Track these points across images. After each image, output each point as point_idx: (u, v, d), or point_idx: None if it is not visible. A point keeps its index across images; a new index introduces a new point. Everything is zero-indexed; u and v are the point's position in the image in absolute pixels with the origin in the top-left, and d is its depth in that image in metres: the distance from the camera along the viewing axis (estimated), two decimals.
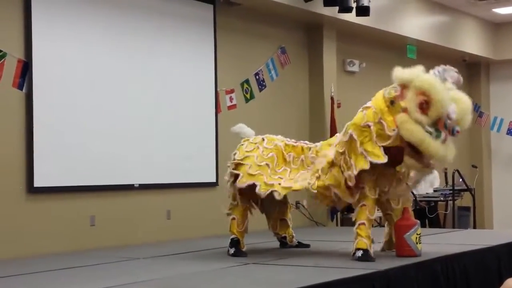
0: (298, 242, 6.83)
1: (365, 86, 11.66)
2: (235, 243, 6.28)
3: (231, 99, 9.15)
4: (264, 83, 9.63)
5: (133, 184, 7.89)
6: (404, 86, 5.59)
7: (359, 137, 5.68)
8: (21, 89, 6.91)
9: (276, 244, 6.90)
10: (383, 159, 5.58)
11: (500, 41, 14.38)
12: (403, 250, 5.92)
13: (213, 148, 8.82)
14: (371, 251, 5.71)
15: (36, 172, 6.94)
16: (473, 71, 14.81)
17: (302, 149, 6.36)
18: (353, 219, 5.82)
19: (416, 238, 5.96)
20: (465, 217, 11.47)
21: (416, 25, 12.06)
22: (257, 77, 9.56)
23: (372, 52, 11.82)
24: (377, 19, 10.83)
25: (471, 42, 13.72)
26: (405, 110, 5.51)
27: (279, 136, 6.49)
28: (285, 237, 6.82)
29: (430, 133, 5.47)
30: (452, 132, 5.55)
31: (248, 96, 9.40)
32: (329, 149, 6.11)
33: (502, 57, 14.44)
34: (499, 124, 14.43)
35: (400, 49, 12.20)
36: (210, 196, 8.72)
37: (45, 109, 7.05)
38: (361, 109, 5.87)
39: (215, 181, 8.82)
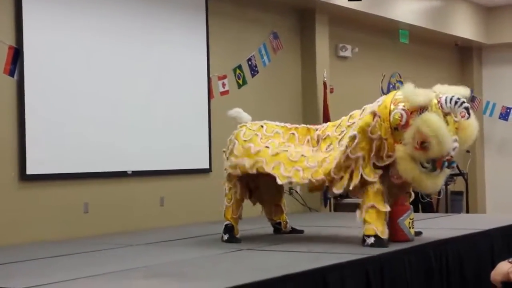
0: (292, 228, 6.84)
1: (357, 71, 11.68)
2: (229, 229, 6.28)
3: (223, 85, 9.13)
4: (256, 69, 9.61)
5: (126, 171, 7.88)
6: (411, 112, 5.49)
7: (360, 143, 5.63)
8: (13, 76, 6.87)
9: (269, 230, 6.91)
10: (373, 178, 5.60)
11: (492, 25, 14.38)
12: (396, 235, 5.93)
13: (206, 134, 8.81)
14: (384, 236, 5.62)
15: (29, 159, 6.92)
16: (465, 55, 14.82)
17: (308, 129, 6.30)
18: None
19: (409, 223, 5.98)
20: (458, 202, 11.53)
21: (408, 10, 12.05)
22: (249, 62, 9.54)
23: (364, 37, 11.80)
24: (369, 4, 10.81)
25: (463, 26, 13.72)
26: (405, 143, 5.44)
27: (277, 123, 6.43)
28: (279, 223, 6.82)
29: (426, 168, 5.43)
30: (448, 167, 5.54)
31: (240, 82, 9.38)
32: (332, 130, 6.05)
33: (494, 41, 14.44)
34: (492, 109, 14.45)
35: (392, 34, 12.20)
36: (203, 182, 8.72)
37: (37, 96, 7.02)
38: (371, 112, 5.73)
39: (208, 167, 8.81)
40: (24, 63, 6.91)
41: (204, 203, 8.54)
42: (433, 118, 5.39)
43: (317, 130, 6.26)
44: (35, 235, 6.90)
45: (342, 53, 11.35)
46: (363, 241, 5.66)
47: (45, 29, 7.16)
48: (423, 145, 5.36)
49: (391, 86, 12.59)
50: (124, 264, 5.24)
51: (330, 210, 10.42)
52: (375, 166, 5.67)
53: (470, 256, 6.32)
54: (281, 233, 6.79)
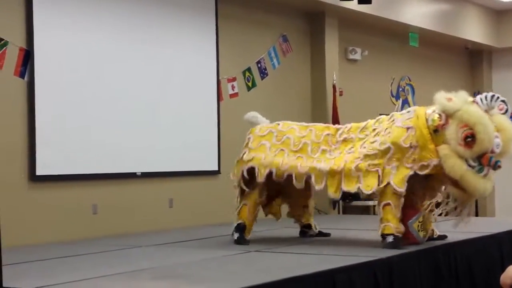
0: (319, 231, 6.78)
1: (367, 74, 11.67)
2: (241, 228, 6.23)
3: (233, 87, 9.14)
4: (266, 71, 9.62)
5: (135, 173, 7.89)
6: (448, 115, 5.46)
7: (395, 155, 5.61)
8: (23, 78, 6.90)
9: (277, 232, 6.90)
10: (402, 188, 5.57)
11: (502, 28, 14.33)
12: (405, 237, 5.91)
13: (215, 136, 8.82)
14: (400, 233, 5.63)
15: (38, 160, 6.95)
16: (475, 59, 14.78)
17: (327, 126, 6.26)
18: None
19: (418, 225, 5.96)
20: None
21: (418, 13, 12.03)
22: (259, 65, 9.54)
23: (374, 40, 11.79)
24: (379, 7, 10.79)
25: (474, 30, 13.68)
26: (448, 141, 5.42)
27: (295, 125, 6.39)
28: (308, 226, 6.74)
29: (473, 167, 5.39)
30: (494, 167, 5.45)
31: (250, 84, 9.39)
32: (357, 132, 5.99)
33: (504, 45, 14.40)
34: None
35: (402, 37, 12.18)
36: (212, 184, 8.73)
37: (47, 98, 7.05)
38: (401, 124, 5.70)
39: (217, 169, 8.82)
40: (35, 65, 6.94)
41: (213, 205, 8.55)
42: (473, 108, 5.38)
43: (339, 129, 6.17)
44: (44, 236, 6.92)
45: (351, 56, 11.34)
46: (382, 239, 5.66)
47: (56, 31, 7.18)
48: (467, 140, 5.33)
49: (400, 89, 12.58)
50: (132, 265, 5.25)
51: (339, 213, 10.41)
52: (415, 175, 5.62)
53: (479, 260, 6.29)
54: (307, 236, 6.70)
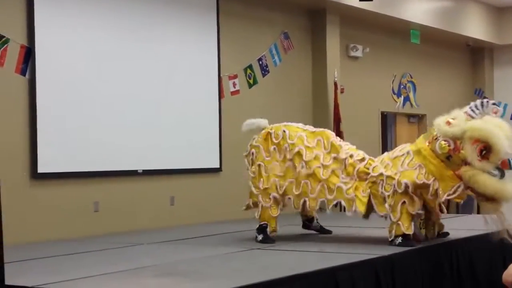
0: (320, 226, 6.83)
1: (368, 71, 11.66)
2: (263, 229, 6.26)
3: (234, 84, 9.14)
4: (267, 69, 9.61)
5: (137, 170, 7.89)
6: (457, 138, 5.51)
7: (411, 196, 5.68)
8: (24, 75, 6.90)
9: (280, 230, 6.86)
10: (407, 231, 5.67)
11: (504, 25, 14.32)
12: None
13: (216, 134, 8.82)
14: (411, 234, 5.69)
15: (40, 158, 6.94)
16: (477, 56, 14.76)
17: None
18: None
19: (420, 223, 5.96)
20: (469, 203, 11.47)
21: (419, 10, 12.01)
22: (260, 62, 9.54)
23: (375, 37, 11.78)
24: (380, 4, 10.79)
25: (475, 27, 13.67)
26: (466, 162, 5.46)
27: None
28: (311, 219, 6.79)
29: (495, 175, 5.43)
30: (510, 166, 5.53)
31: (251, 81, 9.38)
32: (382, 167, 5.92)
33: (506, 42, 14.38)
34: (503, 109, 14.38)
35: (403, 34, 12.17)
36: (213, 182, 8.72)
37: (48, 95, 7.04)
38: (414, 167, 5.70)
39: (218, 166, 8.81)
40: (36, 62, 6.94)
41: (214, 202, 8.55)
42: (477, 123, 5.45)
43: (364, 160, 6.07)
44: (46, 234, 6.92)
45: (353, 53, 11.33)
46: (390, 241, 5.70)
47: (57, 28, 7.18)
48: (483, 153, 5.38)
49: (401, 86, 12.56)
50: (134, 262, 5.25)
51: (340, 210, 10.38)
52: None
53: (481, 257, 6.29)
54: (310, 229, 6.78)
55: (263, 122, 6.50)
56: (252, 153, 6.37)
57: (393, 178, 5.71)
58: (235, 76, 9.16)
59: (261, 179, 6.24)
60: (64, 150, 7.19)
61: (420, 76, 12.91)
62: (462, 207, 10.67)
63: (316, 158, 6.11)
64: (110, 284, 4.45)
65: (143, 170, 7.94)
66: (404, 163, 5.75)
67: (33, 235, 6.82)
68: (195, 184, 8.59)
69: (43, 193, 7.03)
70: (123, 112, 7.76)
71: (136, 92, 7.90)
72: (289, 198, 6.23)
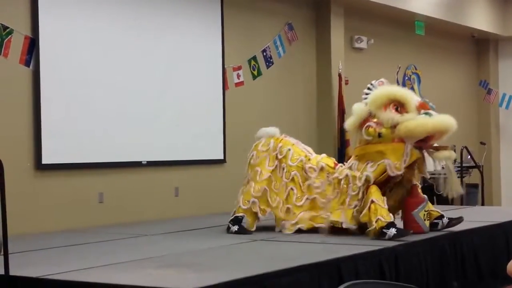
0: None
1: (373, 63, 11.62)
2: None
3: (238, 76, 9.13)
4: (271, 60, 9.60)
5: (141, 161, 7.89)
6: (369, 117, 5.77)
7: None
8: (28, 66, 6.90)
9: None
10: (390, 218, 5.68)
11: (509, 17, 14.26)
12: (411, 226, 5.91)
13: (220, 125, 8.81)
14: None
15: (44, 149, 6.95)
16: (482, 47, 14.71)
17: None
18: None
19: (424, 215, 5.96)
20: (473, 194, 11.47)
21: (424, 1, 11.97)
22: (264, 54, 9.52)
23: (380, 29, 11.74)
24: None
25: (480, 18, 13.61)
26: (394, 126, 5.65)
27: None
28: None
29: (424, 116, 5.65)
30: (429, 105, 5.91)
31: (255, 73, 9.37)
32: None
33: (511, 33, 14.32)
34: (508, 101, 14.36)
35: (408, 26, 12.13)
36: (218, 173, 8.73)
37: (53, 86, 7.04)
38: (367, 170, 5.81)
39: (222, 158, 8.82)
40: (40, 53, 6.93)
41: (218, 194, 8.55)
42: (372, 95, 5.86)
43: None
44: (50, 225, 6.93)
45: (357, 45, 11.30)
46: (382, 234, 5.62)
47: (61, 19, 7.17)
48: (398, 109, 5.71)
49: (406, 78, 12.53)
50: (138, 253, 5.26)
51: None
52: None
53: (485, 249, 6.29)
54: None
55: (274, 131, 6.54)
56: (253, 155, 6.41)
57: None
58: (239, 68, 9.15)
59: (252, 183, 6.29)
60: (68, 141, 7.19)
61: (424, 67, 12.88)
62: (466, 199, 10.66)
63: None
64: (114, 274, 4.46)
65: (147, 161, 7.95)
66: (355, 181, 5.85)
67: (37, 226, 6.84)
68: (199, 176, 8.59)
69: (47, 184, 7.04)
70: (127, 103, 7.76)
71: (140, 83, 7.90)
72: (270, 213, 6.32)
